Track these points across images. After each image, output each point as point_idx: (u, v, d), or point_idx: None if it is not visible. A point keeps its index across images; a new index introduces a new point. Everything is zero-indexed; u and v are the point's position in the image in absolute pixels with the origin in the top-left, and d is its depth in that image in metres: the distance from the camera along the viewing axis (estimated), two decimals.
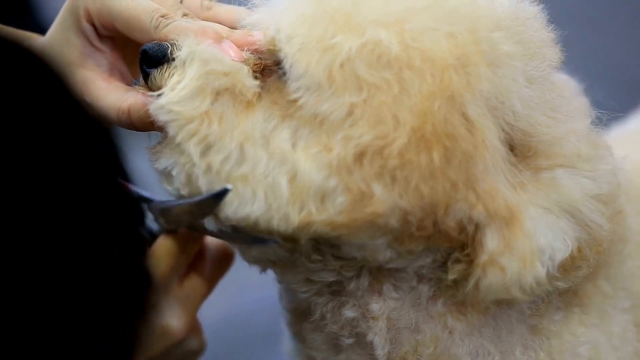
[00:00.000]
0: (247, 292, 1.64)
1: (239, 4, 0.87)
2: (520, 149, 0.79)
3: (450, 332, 0.84)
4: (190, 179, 0.79)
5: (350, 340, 0.86)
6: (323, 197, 0.75)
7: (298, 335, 0.91)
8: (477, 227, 0.76)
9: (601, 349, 0.89)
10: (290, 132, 0.77)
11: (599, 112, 0.86)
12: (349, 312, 0.84)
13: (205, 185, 0.78)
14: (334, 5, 0.77)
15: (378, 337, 0.84)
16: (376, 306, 0.83)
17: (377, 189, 0.74)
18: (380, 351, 0.84)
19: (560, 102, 0.83)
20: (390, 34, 0.75)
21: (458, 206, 0.75)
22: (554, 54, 0.84)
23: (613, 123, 1.26)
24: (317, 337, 0.88)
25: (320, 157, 0.75)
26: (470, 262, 0.78)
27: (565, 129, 0.81)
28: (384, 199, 0.74)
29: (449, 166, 0.74)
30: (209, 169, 0.78)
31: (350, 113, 0.75)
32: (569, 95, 0.87)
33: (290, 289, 0.88)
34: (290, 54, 0.77)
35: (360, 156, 0.74)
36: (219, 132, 0.78)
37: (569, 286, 0.83)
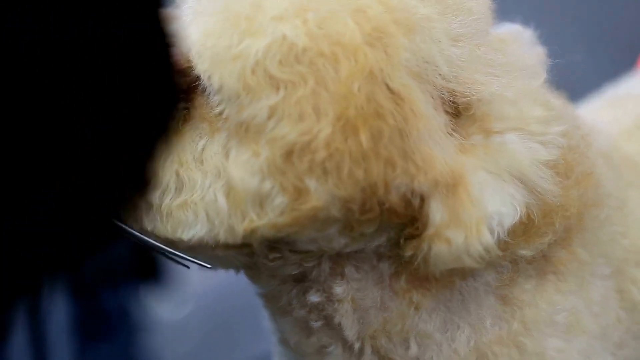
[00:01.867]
0: None
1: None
2: (465, 112, 0.78)
3: (416, 308, 0.83)
4: (136, 219, 0.80)
5: (319, 323, 0.86)
6: (261, 202, 0.75)
7: (272, 318, 0.92)
8: (422, 198, 0.75)
9: (581, 315, 0.88)
10: (221, 145, 0.77)
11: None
12: (313, 297, 0.84)
13: (150, 225, 0.79)
14: (236, 11, 0.76)
15: (345, 319, 0.84)
16: (340, 289, 0.83)
17: (312, 184, 0.73)
18: (349, 332, 0.84)
19: (499, 58, 0.81)
20: (293, 27, 0.74)
21: (398, 181, 0.74)
22: (482, 4, 0.82)
23: (606, 84, 1.24)
24: (287, 321, 0.89)
25: (251, 163, 0.75)
26: (421, 234, 0.77)
27: (515, 89, 0.79)
28: (320, 193, 0.73)
29: (379, 144, 0.73)
30: (148, 207, 0.78)
31: (271, 115, 0.74)
32: (515, 49, 0.84)
33: (258, 284, 0.88)
34: (203, 70, 0.76)
35: (288, 155, 0.73)
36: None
37: (534, 253, 0.82)
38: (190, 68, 0.78)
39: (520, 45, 0.85)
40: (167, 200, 0.78)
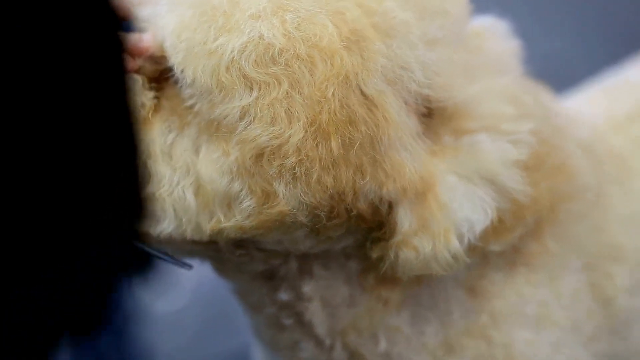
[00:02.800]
0: None
1: None
2: (438, 115, 0.77)
3: (385, 303, 0.84)
4: None
5: (290, 321, 0.86)
6: (229, 203, 0.75)
7: (246, 314, 0.92)
8: (391, 205, 0.75)
9: (550, 308, 0.88)
10: (191, 140, 0.76)
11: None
12: (283, 295, 0.84)
13: None
14: (214, 5, 0.75)
15: (315, 317, 0.84)
16: (308, 288, 0.83)
17: (280, 189, 0.73)
18: (320, 329, 0.85)
19: (474, 58, 0.80)
20: (271, 27, 0.73)
21: (367, 188, 0.73)
22: (459, 5, 0.80)
23: (602, 74, 1.22)
24: (260, 318, 0.89)
25: (221, 163, 0.74)
26: (388, 240, 0.77)
27: (485, 88, 0.79)
28: (288, 198, 0.73)
29: (350, 152, 0.72)
30: None
31: (243, 115, 0.73)
32: (490, 44, 0.83)
33: (227, 279, 0.89)
34: (177, 63, 0.75)
35: (258, 158, 0.73)
36: None
37: (504, 249, 0.82)
38: (164, 58, 0.77)
39: (495, 40, 0.84)
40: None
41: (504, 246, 0.81)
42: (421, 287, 0.84)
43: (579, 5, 1.73)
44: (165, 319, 1.82)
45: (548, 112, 0.85)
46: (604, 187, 0.94)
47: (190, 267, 0.83)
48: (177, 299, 1.93)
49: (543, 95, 0.88)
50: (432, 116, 0.78)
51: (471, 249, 0.77)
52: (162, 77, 0.79)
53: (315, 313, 0.84)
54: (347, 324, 0.84)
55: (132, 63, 0.78)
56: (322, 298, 0.84)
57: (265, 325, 0.90)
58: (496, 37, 0.84)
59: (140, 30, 0.80)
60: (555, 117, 0.86)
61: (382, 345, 0.85)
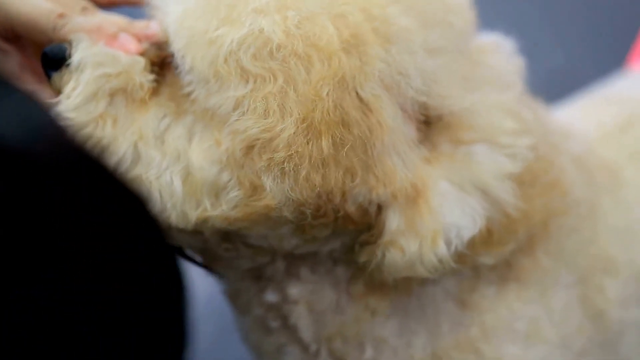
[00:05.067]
0: None
1: None
2: (436, 123, 0.77)
3: (372, 313, 0.83)
4: None
5: (276, 324, 0.86)
6: (217, 192, 0.75)
7: (235, 316, 0.93)
8: (380, 208, 0.75)
9: (541, 324, 0.88)
10: (185, 128, 0.76)
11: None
12: (270, 297, 0.84)
13: None
14: None
15: (300, 321, 0.84)
16: (295, 290, 0.83)
17: (268, 183, 0.73)
18: (305, 333, 0.85)
19: (476, 71, 0.80)
20: (272, 22, 0.73)
21: (356, 191, 0.73)
22: (464, 20, 0.80)
23: (593, 86, 1.23)
24: (247, 320, 0.89)
25: (212, 152, 0.74)
26: (376, 242, 0.77)
27: (485, 100, 0.79)
28: (274, 193, 0.73)
29: (341, 152, 0.72)
30: None
31: (236, 106, 0.73)
32: (493, 60, 0.83)
33: (217, 275, 0.89)
34: (178, 49, 0.76)
35: (248, 150, 0.73)
36: (113, 133, 0.77)
37: (495, 262, 0.81)
38: (167, 43, 0.78)
39: (499, 56, 0.84)
40: (121, 170, 0.77)
41: (495, 259, 0.81)
42: (410, 299, 0.84)
43: (584, 19, 1.73)
44: None
45: (545, 129, 0.85)
46: (596, 200, 0.94)
47: (222, 275, 0.83)
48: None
49: (541, 110, 0.88)
50: (430, 124, 0.77)
51: (459, 256, 0.76)
52: (164, 62, 0.79)
53: (301, 317, 0.84)
54: (333, 330, 0.84)
55: (137, 46, 0.79)
56: (308, 302, 0.83)
57: (252, 327, 0.90)
58: (500, 54, 0.84)
59: (150, 17, 0.81)
60: (551, 133, 0.87)
61: (369, 354, 0.85)
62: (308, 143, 0.72)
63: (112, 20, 0.81)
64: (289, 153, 0.72)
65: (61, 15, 0.79)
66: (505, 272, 0.86)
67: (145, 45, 0.80)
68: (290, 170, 0.72)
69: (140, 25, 0.80)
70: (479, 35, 0.85)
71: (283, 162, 0.72)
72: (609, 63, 1.40)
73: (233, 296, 0.90)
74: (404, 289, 0.83)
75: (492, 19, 0.87)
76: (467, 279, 0.84)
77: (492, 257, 0.80)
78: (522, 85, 0.85)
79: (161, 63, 0.80)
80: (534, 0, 1.76)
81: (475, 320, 0.85)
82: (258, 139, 0.72)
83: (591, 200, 0.93)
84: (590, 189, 0.93)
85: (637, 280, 0.95)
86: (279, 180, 0.72)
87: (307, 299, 0.83)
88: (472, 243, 0.76)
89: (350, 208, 0.74)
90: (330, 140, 0.72)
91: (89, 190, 0.57)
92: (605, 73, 1.32)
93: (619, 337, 0.94)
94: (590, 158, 0.97)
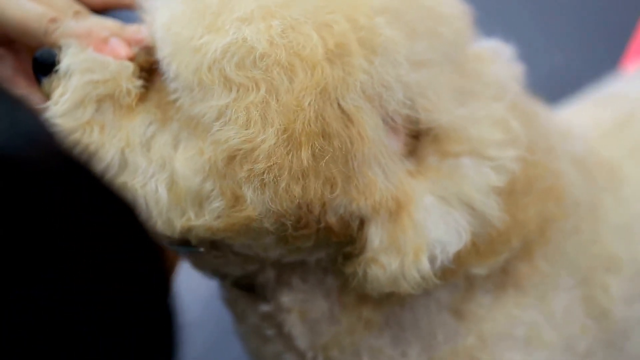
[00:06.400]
0: None
1: None
2: (423, 136, 0.76)
3: (366, 323, 0.83)
4: None
5: (271, 332, 0.86)
6: (200, 202, 0.74)
7: (234, 324, 0.93)
8: (362, 221, 0.74)
9: (541, 328, 0.87)
10: (171, 135, 0.76)
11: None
12: (263, 306, 0.85)
13: None
14: (205, 3, 0.74)
15: (294, 329, 0.84)
16: (287, 299, 0.83)
17: (248, 194, 0.72)
18: (300, 342, 0.85)
19: (469, 82, 0.79)
20: (256, 31, 0.72)
21: (336, 202, 0.73)
22: (454, 30, 0.79)
23: (588, 87, 1.23)
24: (245, 328, 0.90)
25: (195, 161, 0.74)
26: (359, 256, 0.76)
27: (475, 112, 0.77)
28: (255, 204, 0.72)
29: (320, 164, 0.71)
30: None
31: (219, 116, 0.73)
32: (491, 68, 0.82)
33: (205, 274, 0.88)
34: (164, 55, 0.76)
35: (230, 160, 0.72)
36: (100, 140, 0.77)
37: (490, 271, 0.81)
38: (155, 49, 0.78)
39: (496, 64, 0.83)
40: (108, 177, 0.77)
41: (488, 269, 0.80)
42: (403, 309, 0.83)
43: (578, 20, 1.74)
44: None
45: (542, 132, 0.84)
46: (596, 199, 0.93)
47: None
48: (187, 314, 1.94)
49: (539, 112, 0.88)
50: (417, 138, 0.77)
51: (445, 271, 0.76)
52: (153, 68, 0.79)
53: (295, 325, 0.84)
54: (328, 339, 0.84)
55: (128, 50, 0.79)
56: (300, 311, 0.83)
57: (250, 335, 0.90)
58: (499, 61, 0.83)
59: (140, 21, 0.81)
60: (548, 136, 0.86)
61: None
62: (288, 154, 0.71)
63: (103, 24, 0.80)
64: (269, 164, 0.71)
65: (53, 20, 0.79)
66: (502, 279, 0.85)
67: (135, 50, 0.79)
68: (270, 182, 0.71)
69: (131, 29, 0.80)
70: (477, 42, 0.84)
71: (263, 173, 0.71)
72: (604, 64, 1.40)
73: (231, 304, 0.90)
74: (397, 300, 0.82)
75: (486, 22, 0.86)
76: (460, 289, 0.84)
77: (485, 268, 0.80)
78: (518, 91, 0.84)
79: (150, 68, 0.79)
80: (528, 1, 1.77)
81: (472, 329, 0.85)
82: (239, 150, 0.72)
83: (591, 200, 0.92)
84: (590, 188, 0.92)
85: None
86: (259, 192, 0.72)
87: (300, 307, 0.83)
88: (457, 257, 0.76)
89: (331, 219, 0.73)
90: (310, 151, 0.71)
91: (87, 191, 0.57)
92: (600, 74, 1.32)
93: (624, 336, 0.94)
94: (590, 157, 0.96)
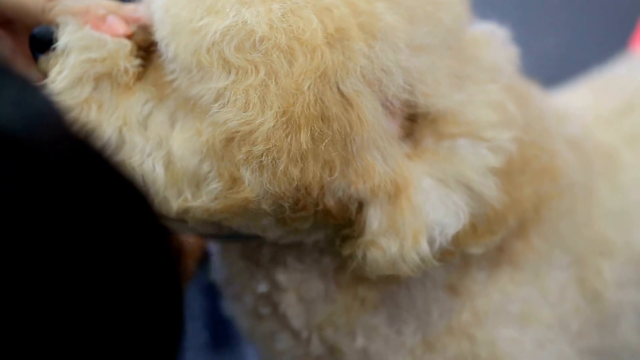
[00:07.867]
0: None
1: None
2: (421, 120, 0.77)
3: (362, 302, 0.84)
4: None
5: (266, 310, 0.87)
6: (197, 183, 0.75)
7: (228, 305, 0.93)
8: (360, 204, 0.75)
9: (535, 305, 0.88)
10: (167, 114, 0.76)
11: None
12: (260, 285, 0.85)
13: None
14: None
15: (290, 309, 0.85)
16: (283, 277, 0.84)
17: (246, 175, 0.73)
18: (295, 321, 0.85)
19: (466, 67, 0.79)
20: (256, 14, 0.73)
21: (335, 185, 0.73)
22: (453, 15, 0.79)
23: (594, 69, 1.23)
24: (239, 307, 0.90)
25: (193, 142, 0.74)
26: (357, 239, 0.76)
27: (472, 95, 0.78)
28: (253, 185, 0.73)
29: (319, 147, 0.72)
30: None
31: (218, 98, 0.73)
32: (486, 52, 0.82)
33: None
34: (162, 37, 0.76)
35: (228, 142, 0.73)
36: (98, 118, 0.77)
37: (484, 250, 0.81)
38: (153, 28, 0.78)
39: (492, 47, 0.83)
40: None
41: (484, 248, 0.80)
42: (399, 288, 0.84)
43: (573, 2, 1.73)
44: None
45: (537, 114, 0.85)
46: (592, 182, 0.94)
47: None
48: (190, 324, 1.93)
49: (534, 93, 0.88)
50: (415, 121, 0.77)
51: (444, 252, 0.76)
52: (151, 47, 0.79)
53: (290, 305, 0.85)
54: (323, 319, 0.85)
55: (125, 28, 0.79)
56: (297, 290, 0.84)
57: (244, 315, 0.90)
58: (493, 44, 0.84)
59: (139, 1, 0.81)
60: (543, 118, 0.86)
61: (360, 342, 0.85)
62: (287, 136, 0.72)
63: (100, 2, 0.80)
64: (268, 146, 0.72)
65: None
66: (497, 256, 0.86)
67: (133, 28, 0.79)
68: (268, 164, 0.72)
69: (128, 7, 0.80)
70: (473, 26, 0.84)
71: (261, 155, 0.72)
72: (610, 45, 1.40)
73: (225, 285, 0.91)
74: (393, 278, 0.82)
75: (481, 5, 0.86)
76: (456, 266, 0.84)
77: (481, 247, 0.80)
78: (513, 73, 0.84)
79: (148, 47, 0.79)
80: None
81: (466, 305, 0.85)
82: (238, 132, 0.72)
83: (587, 183, 0.93)
84: (586, 172, 0.93)
85: (634, 263, 0.95)
86: (257, 174, 0.72)
87: (296, 287, 0.84)
88: (456, 238, 0.76)
89: (329, 202, 0.74)
90: (309, 134, 0.72)
91: (98, 175, 0.56)
92: (606, 55, 1.31)
93: (616, 319, 0.94)
94: (587, 141, 0.96)
